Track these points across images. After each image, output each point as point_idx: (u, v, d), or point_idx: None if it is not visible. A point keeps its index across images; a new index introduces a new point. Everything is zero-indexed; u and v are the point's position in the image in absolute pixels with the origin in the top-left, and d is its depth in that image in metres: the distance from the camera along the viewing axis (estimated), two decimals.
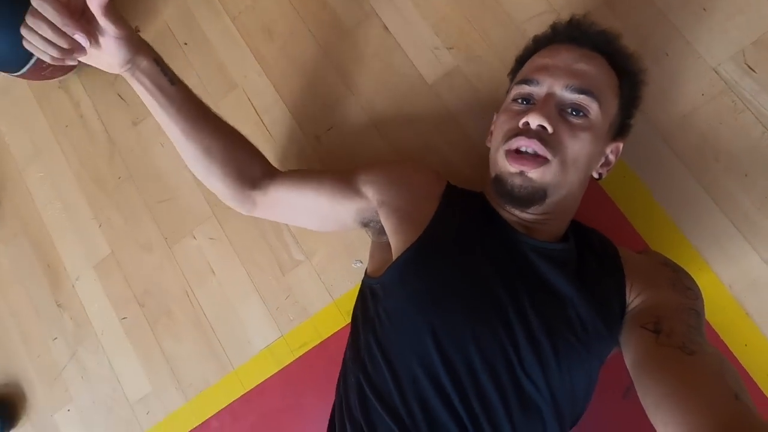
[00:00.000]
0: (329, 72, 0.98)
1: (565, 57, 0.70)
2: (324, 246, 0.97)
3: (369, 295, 0.76)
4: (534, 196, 0.68)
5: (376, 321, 0.71)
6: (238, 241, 1.01)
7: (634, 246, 0.82)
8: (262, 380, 0.98)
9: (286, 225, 0.99)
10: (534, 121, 0.66)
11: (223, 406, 0.99)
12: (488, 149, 0.80)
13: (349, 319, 0.94)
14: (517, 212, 0.73)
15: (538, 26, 0.89)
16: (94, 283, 1.07)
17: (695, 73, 0.84)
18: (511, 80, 0.79)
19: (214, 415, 1.00)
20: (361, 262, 0.95)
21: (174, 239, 1.05)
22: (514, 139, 0.68)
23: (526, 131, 0.67)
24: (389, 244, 0.77)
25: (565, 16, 0.87)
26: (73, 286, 1.09)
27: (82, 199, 1.10)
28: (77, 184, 1.11)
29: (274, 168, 0.84)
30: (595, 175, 0.74)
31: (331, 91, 0.98)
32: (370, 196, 0.78)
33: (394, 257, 0.72)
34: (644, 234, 0.84)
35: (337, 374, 0.86)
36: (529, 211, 0.71)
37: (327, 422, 0.81)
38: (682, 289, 0.70)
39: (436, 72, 0.94)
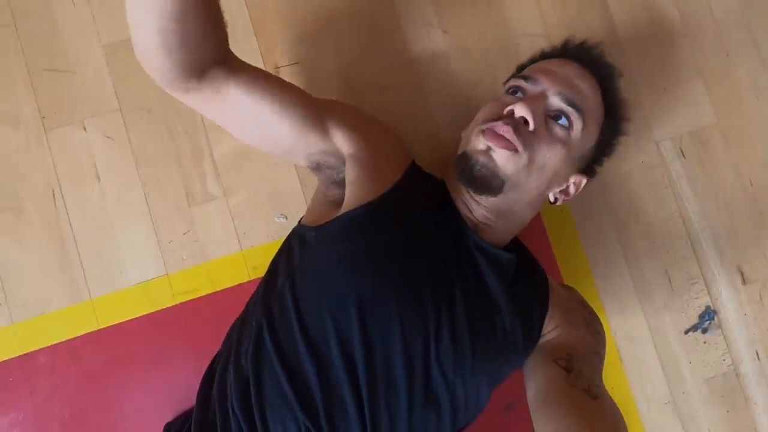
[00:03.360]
0: (310, 3, 0.87)
1: (568, 69, 0.71)
2: (249, 188, 0.85)
3: (298, 242, 0.69)
4: (491, 181, 0.66)
5: (298, 271, 0.65)
6: (142, 151, 0.83)
7: (550, 275, 0.87)
8: (126, 319, 0.81)
9: (210, 151, 0.84)
10: (519, 111, 0.65)
11: (62, 340, 0.80)
12: (450, 142, 0.79)
13: (253, 276, 0.83)
14: (472, 205, 0.71)
15: (530, 46, 0.90)
16: None
17: (642, 141, 0.92)
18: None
19: (45, 348, 0.80)
20: (286, 217, 0.85)
21: (54, 122, 0.82)
22: (492, 122, 0.67)
23: (507, 117, 0.67)
24: (336, 199, 0.72)
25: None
26: None
27: None
28: None
29: (235, 58, 0.63)
30: (551, 198, 0.74)
31: (307, 24, 0.87)
32: (339, 143, 0.69)
33: (344, 209, 0.66)
34: (561, 266, 0.89)
35: (224, 333, 0.76)
36: (481, 201, 0.70)
37: (192, 385, 0.71)
38: (593, 332, 0.75)
39: (422, 48, 0.89)
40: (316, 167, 0.73)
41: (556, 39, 0.90)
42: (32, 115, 0.82)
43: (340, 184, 0.73)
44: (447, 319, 0.63)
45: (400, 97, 0.88)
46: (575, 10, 0.91)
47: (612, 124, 0.74)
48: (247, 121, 0.65)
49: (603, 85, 0.72)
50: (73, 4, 0.83)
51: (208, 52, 0.57)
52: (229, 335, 0.71)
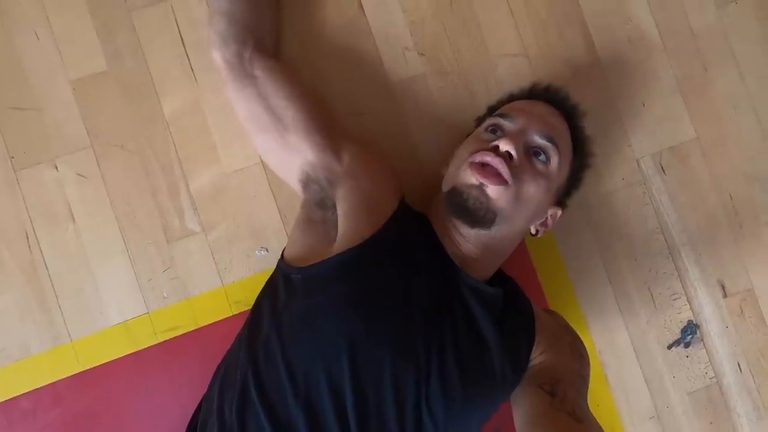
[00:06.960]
0: (288, 32, 0.85)
1: (541, 109, 0.75)
2: (227, 222, 0.83)
3: (283, 283, 0.68)
4: (485, 215, 0.68)
5: (285, 317, 0.64)
6: (117, 188, 0.82)
7: (535, 301, 0.87)
8: (108, 360, 0.80)
9: (186, 185, 0.82)
10: (504, 146, 0.67)
11: (44, 384, 0.79)
12: (430, 164, 0.84)
13: (236, 311, 0.83)
14: (459, 240, 0.72)
15: (509, 66, 0.89)
16: None
17: (622, 159, 0.92)
18: (477, 126, 0.79)
19: (27, 393, 0.79)
20: (267, 251, 0.84)
21: (24, 162, 0.80)
22: (480, 153, 0.68)
23: (493, 151, 0.68)
24: (318, 226, 0.72)
25: (536, 66, 0.90)
26: None
27: None
28: None
29: (278, 59, 0.80)
30: (533, 230, 0.77)
31: (286, 50, 0.85)
32: (345, 160, 0.74)
33: (338, 249, 0.66)
34: (546, 290, 0.90)
35: (210, 370, 0.75)
36: (473, 235, 0.71)
37: (177, 423, 0.70)
38: (578, 356, 0.75)
39: (400, 72, 0.88)
40: (306, 182, 0.74)
41: (535, 58, 0.90)
42: (0, 155, 0.79)
43: (322, 205, 0.73)
44: (437, 364, 0.63)
45: (378, 122, 0.87)
46: (553, 28, 0.90)
47: (580, 158, 0.77)
48: (265, 107, 0.74)
49: (570, 122, 0.76)
50: (37, 38, 0.81)
51: (260, 34, 0.76)
52: (212, 383, 0.71)
